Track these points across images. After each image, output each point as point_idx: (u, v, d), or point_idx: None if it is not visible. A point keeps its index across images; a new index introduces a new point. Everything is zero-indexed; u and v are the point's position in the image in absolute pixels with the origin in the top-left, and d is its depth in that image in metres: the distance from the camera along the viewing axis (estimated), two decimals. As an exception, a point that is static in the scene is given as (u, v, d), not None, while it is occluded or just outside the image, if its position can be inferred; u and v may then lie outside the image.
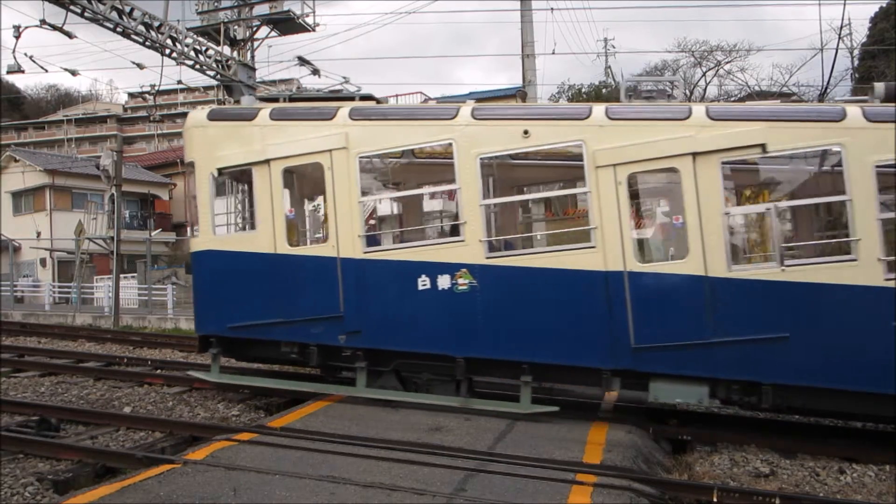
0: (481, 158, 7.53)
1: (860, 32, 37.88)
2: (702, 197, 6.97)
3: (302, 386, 8.47)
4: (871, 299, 6.54)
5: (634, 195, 7.78)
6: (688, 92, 34.45)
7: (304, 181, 9.02)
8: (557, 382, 8.43)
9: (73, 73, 17.83)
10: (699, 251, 6.92)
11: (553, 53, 79.36)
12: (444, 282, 7.48)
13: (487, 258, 7.41)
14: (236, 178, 9.02)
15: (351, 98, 8.48)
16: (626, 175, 7.18)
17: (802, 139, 7.00)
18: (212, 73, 18.42)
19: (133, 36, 15.77)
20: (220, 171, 8.26)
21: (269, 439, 6.17)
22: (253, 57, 20.13)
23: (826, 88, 24.69)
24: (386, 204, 10.80)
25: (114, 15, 15.01)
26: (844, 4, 20.48)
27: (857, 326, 6.61)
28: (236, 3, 19.71)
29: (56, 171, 34.42)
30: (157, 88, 24.86)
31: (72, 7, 14.18)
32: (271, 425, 6.74)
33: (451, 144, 7.63)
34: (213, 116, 8.45)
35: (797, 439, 7.56)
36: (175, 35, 16.94)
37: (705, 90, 34.56)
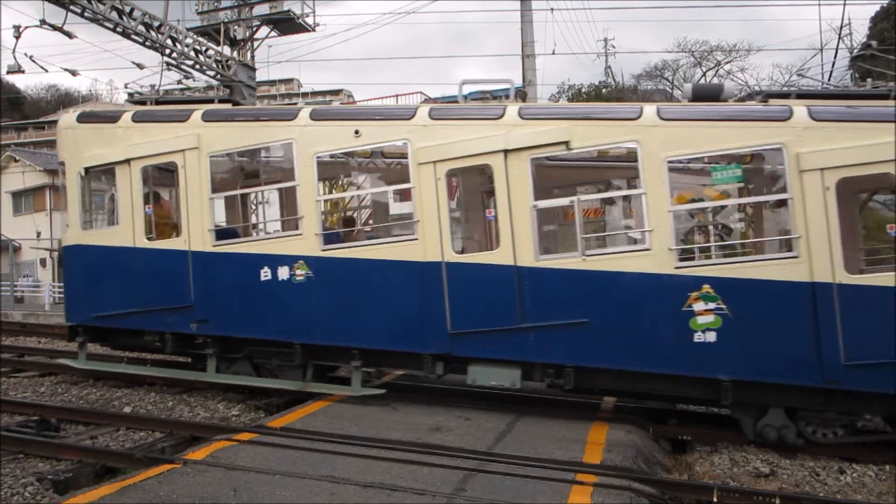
0: (318, 157, 7.98)
1: (860, 33, 37.92)
2: (512, 191, 7.34)
3: (161, 372, 9.19)
4: (664, 286, 6.96)
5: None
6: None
7: (163, 179, 9.52)
8: (387, 367, 9.05)
9: (73, 73, 17.82)
10: (509, 242, 7.32)
11: (553, 53, 79.31)
12: (283, 273, 7.99)
13: (323, 250, 7.86)
14: (102, 177, 9.55)
15: (211, 101, 9.13)
16: (444, 171, 7.59)
17: (604, 136, 7.48)
18: (212, 73, 18.42)
19: (133, 36, 15.77)
20: (87, 170, 8.84)
21: (269, 439, 6.17)
22: (253, 57, 20.14)
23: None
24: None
25: (114, 15, 15.01)
26: (844, 4, 20.49)
27: (652, 311, 7.02)
28: (236, 3, 19.71)
29: (56, 171, 34.39)
30: (156, 88, 24.89)
31: (72, 7, 14.18)
32: (271, 425, 6.74)
33: (291, 144, 8.12)
34: (81, 119, 9.09)
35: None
36: (175, 35, 16.94)
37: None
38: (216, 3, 19.66)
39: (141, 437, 6.95)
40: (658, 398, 8.12)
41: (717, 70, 33.68)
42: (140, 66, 17.38)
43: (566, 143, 7.28)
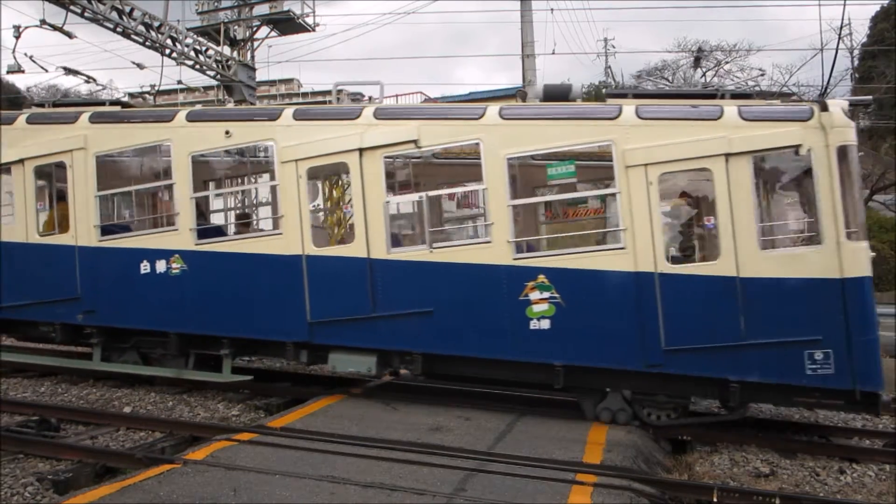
0: (192, 156, 8.53)
1: (860, 32, 37.92)
2: (367, 188, 7.82)
3: (54, 361, 9.81)
4: (502, 277, 7.37)
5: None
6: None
7: (55, 178, 9.94)
8: (256, 356, 9.71)
9: (73, 72, 17.80)
10: (363, 236, 7.79)
11: (553, 54, 79.35)
12: (161, 266, 8.54)
13: (196, 244, 8.41)
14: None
15: (102, 103, 9.67)
16: (305, 169, 8.06)
17: (450, 136, 7.90)
18: (212, 73, 18.41)
19: (133, 36, 15.76)
20: None
21: (269, 439, 6.17)
22: (253, 57, 20.14)
23: (826, 88, 24.77)
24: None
25: (114, 15, 15.00)
26: (844, 4, 20.48)
27: (492, 301, 7.41)
28: (236, 3, 19.70)
29: None
30: (157, 88, 24.87)
31: (72, 7, 14.17)
32: (271, 425, 6.74)
33: (169, 144, 8.63)
34: None
35: (797, 440, 7.57)
36: (175, 35, 16.94)
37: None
38: (216, 3, 19.66)
39: (141, 437, 6.94)
40: (503, 384, 8.46)
41: (717, 70, 33.64)
42: (140, 66, 17.38)
43: (415, 141, 7.74)
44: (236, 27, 19.79)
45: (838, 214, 6.76)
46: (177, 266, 8.46)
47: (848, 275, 6.76)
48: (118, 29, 15.37)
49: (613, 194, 7.34)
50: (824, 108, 6.88)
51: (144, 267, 8.59)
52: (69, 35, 15.22)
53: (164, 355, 8.89)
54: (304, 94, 74.95)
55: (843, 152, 6.82)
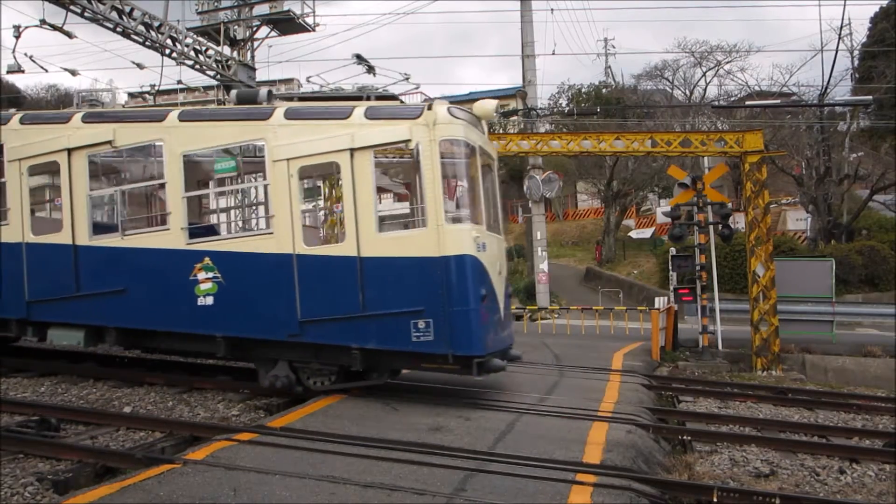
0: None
1: (860, 32, 37.91)
2: (74, 183, 8.95)
3: None
4: (177, 259, 8.42)
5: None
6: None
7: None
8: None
9: (73, 73, 17.84)
10: (70, 225, 8.97)
11: (553, 54, 79.39)
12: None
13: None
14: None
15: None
16: (25, 166, 9.33)
17: (138, 136, 9.03)
18: (212, 73, 18.41)
19: (133, 36, 15.76)
20: None
21: (269, 439, 6.17)
22: (253, 57, 20.13)
23: (826, 89, 24.79)
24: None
25: (114, 15, 15.00)
26: (844, 4, 20.45)
27: (170, 281, 8.45)
28: (236, 3, 19.70)
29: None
30: (157, 88, 24.85)
31: (72, 7, 14.17)
32: (271, 425, 6.74)
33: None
34: None
35: (797, 440, 7.58)
36: (175, 35, 16.93)
37: (705, 90, 34.55)
38: (216, 3, 19.66)
39: (141, 437, 6.94)
40: (190, 354, 9.67)
41: (717, 70, 33.64)
42: (140, 66, 17.38)
43: (110, 141, 8.89)
44: (236, 27, 19.79)
45: (439, 201, 7.62)
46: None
47: (446, 253, 7.55)
48: (118, 29, 15.36)
49: (265, 186, 8.54)
50: (430, 107, 7.83)
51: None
52: (69, 35, 15.22)
53: None
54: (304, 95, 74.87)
55: (445, 146, 7.77)
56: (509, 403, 8.08)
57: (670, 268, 16.49)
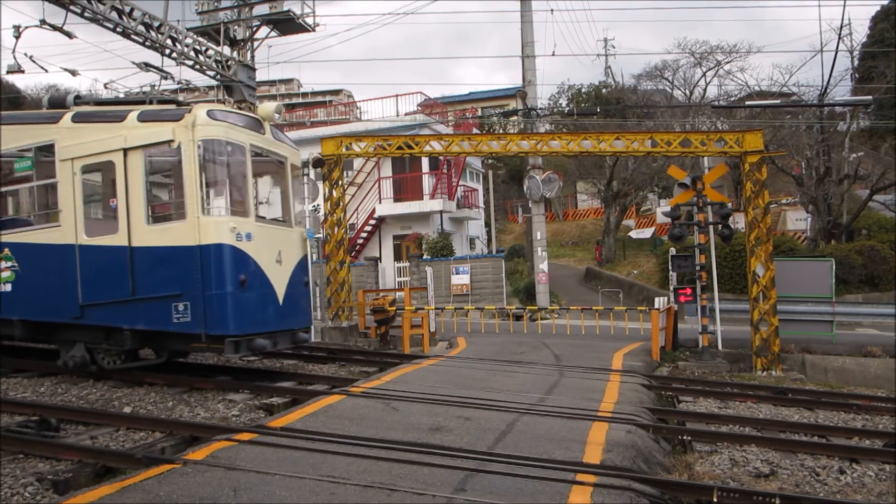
0: None
1: (860, 32, 37.91)
2: None
3: None
4: (72, 254, 9.09)
5: None
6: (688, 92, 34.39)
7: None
8: None
9: (73, 73, 17.72)
10: None
11: (553, 55, 79.43)
12: None
13: None
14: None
15: None
16: None
17: (27, 139, 9.64)
18: (212, 73, 18.41)
19: (133, 36, 15.75)
20: None
21: (269, 439, 6.17)
22: (253, 57, 20.12)
23: (826, 89, 24.79)
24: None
25: (114, 15, 14.99)
26: (844, 4, 20.46)
27: (66, 272, 9.07)
28: (236, 3, 19.69)
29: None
30: (156, 88, 24.79)
31: (72, 7, 14.16)
32: (271, 425, 6.74)
33: None
34: None
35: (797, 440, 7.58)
36: (175, 35, 16.93)
37: (705, 90, 34.55)
38: (216, 3, 19.65)
39: (141, 437, 6.94)
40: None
41: (717, 70, 33.62)
42: (144, 67, 17.35)
43: None
44: (236, 27, 19.78)
45: (197, 195, 8.48)
46: None
47: (203, 242, 8.43)
48: (118, 29, 15.36)
49: (55, 183, 9.29)
50: (191, 110, 8.72)
51: None
52: (69, 35, 15.20)
53: None
54: (304, 94, 74.88)
55: (204, 145, 8.61)
56: (509, 403, 8.08)
57: (670, 268, 16.49)
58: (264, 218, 9.78)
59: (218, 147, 8.76)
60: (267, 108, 9.72)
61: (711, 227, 15.47)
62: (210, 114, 8.74)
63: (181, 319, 8.45)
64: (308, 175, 16.37)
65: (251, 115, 9.56)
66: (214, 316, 8.38)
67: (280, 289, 9.35)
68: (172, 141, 8.60)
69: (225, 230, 8.55)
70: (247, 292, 8.68)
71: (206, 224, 8.50)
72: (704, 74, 34.19)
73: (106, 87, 13.12)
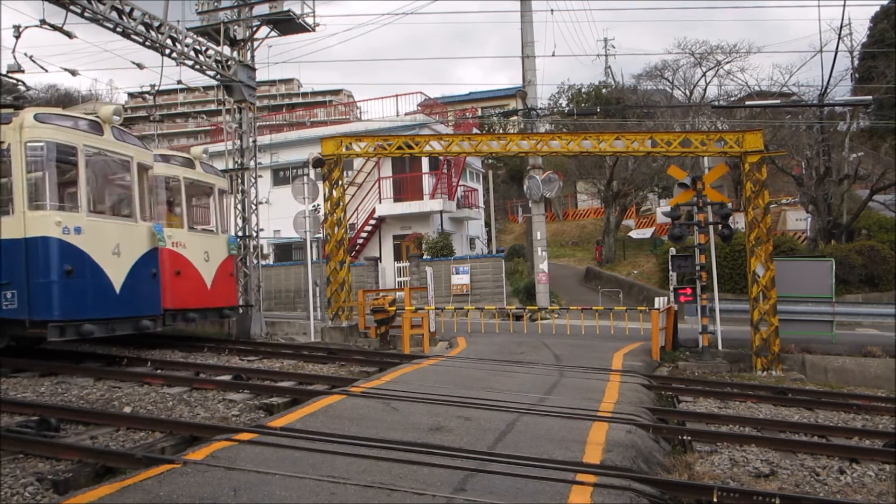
0: None
1: (860, 32, 37.89)
2: None
3: None
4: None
5: None
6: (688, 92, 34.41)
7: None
8: None
9: (73, 73, 17.74)
10: None
11: (553, 56, 79.41)
12: None
13: None
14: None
15: None
16: None
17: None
18: (212, 73, 18.40)
19: (133, 36, 15.73)
20: None
21: (269, 439, 6.17)
22: (253, 57, 20.10)
23: (826, 89, 24.79)
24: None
25: (114, 15, 14.97)
26: (844, 4, 20.46)
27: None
28: (236, 3, 19.67)
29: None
30: (156, 88, 24.82)
31: (72, 7, 14.14)
32: (271, 425, 6.74)
33: None
34: None
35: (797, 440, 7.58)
36: (175, 35, 16.91)
37: (705, 90, 34.56)
38: (216, 3, 19.62)
39: (141, 437, 6.94)
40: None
41: (717, 70, 33.62)
42: (140, 66, 17.35)
43: None
44: (236, 27, 19.76)
45: (22, 191, 9.37)
46: None
47: (30, 235, 9.32)
48: (118, 29, 15.33)
49: None
50: (18, 114, 9.62)
51: None
52: (69, 35, 15.18)
53: None
54: (304, 95, 74.87)
55: (32, 146, 9.51)
56: (509, 403, 8.08)
57: (670, 268, 16.49)
58: (103, 213, 10.66)
59: (44, 148, 9.59)
60: (105, 110, 10.65)
61: (711, 227, 15.47)
62: (38, 117, 9.65)
63: (9, 307, 9.31)
64: (308, 175, 16.40)
65: (87, 117, 10.41)
66: (39, 303, 9.31)
67: (118, 279, 10.23)
68: (2, 142, 9.53)
69: (50, 224, 9.38)
70: (74, 281, 9.49)
71: (32, 218, 9.38)
72: (704, 74, 34.24)
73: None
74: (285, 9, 19.59)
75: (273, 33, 20.49)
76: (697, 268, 15.02)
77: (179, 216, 11.71)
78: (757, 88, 30.05)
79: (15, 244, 9.34)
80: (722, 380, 12.60)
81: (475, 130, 35.97)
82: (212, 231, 12.79)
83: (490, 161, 39.52)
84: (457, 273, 24.61)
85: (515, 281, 26.17)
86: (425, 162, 28.47)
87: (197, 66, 17.68)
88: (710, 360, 14.35)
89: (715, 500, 5.39)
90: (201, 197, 13.23)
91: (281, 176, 31.13)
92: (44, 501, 5.21)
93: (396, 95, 31.01)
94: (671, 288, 16.51)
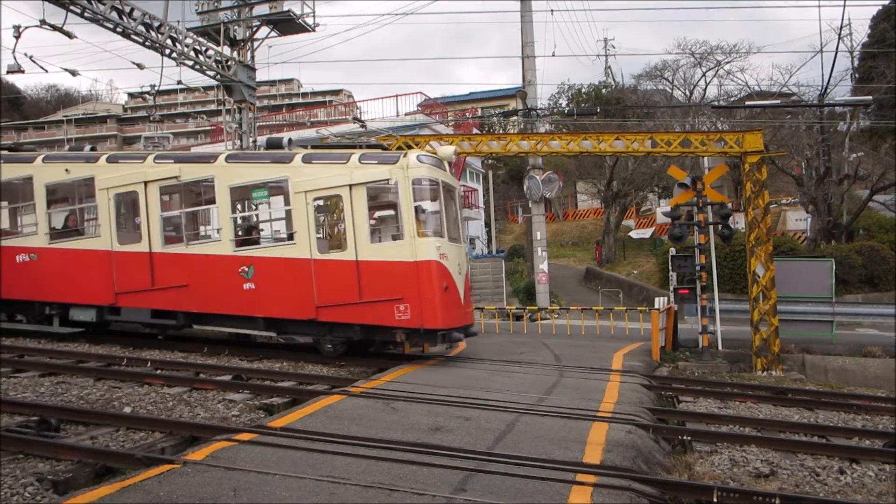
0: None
1: (860, 33, 37.89)
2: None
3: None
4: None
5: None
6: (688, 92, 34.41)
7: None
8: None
9: (73, 73, 17.77)
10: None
11: (553, 56, 79.42)
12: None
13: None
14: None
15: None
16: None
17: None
18: (212, 73, 18.40)
19: (133, 36, 15.74)
20: None
21: (269, 439, 6.17)
22: (253, 57, 20.11)
23: (826, 89, 24.78)
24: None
25: (114, 15, 14.98)
26: (844, 5, 20.47)
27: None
28: (236, 4, 19.67)
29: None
30: (156, 89, 24.81)
31: (72, 7, 14.15)
32: (271, 425, 6.74)
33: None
34: None
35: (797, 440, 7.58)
36: (175, 35, 16.92)
37: (705, 90, 34.55)
38: (216, 4, 19.62)
39: (141, 437, 6.94)
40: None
41: (717, 70, 33.62)
42: (140, 66, 17.36)
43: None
44: (236, 27, 19.77)
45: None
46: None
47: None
48: (118, 29, 15.34)
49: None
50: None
51: None
52: (69, 35, 15.19)
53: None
54: (304, 95, 74.83)
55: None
56: (509, 403, 8.08)
57: (670, 268, 16.49)
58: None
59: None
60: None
61: (711, 228, 15.47)
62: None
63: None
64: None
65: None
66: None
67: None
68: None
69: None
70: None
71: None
72: (704, 74, 34.23)
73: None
74: (285, 9, 19.60)
75: (273, 33, 20.50)
76: (697, 268, 15.02)
77: (442, 224, 11.02)
78: (757, 88, 30.04)
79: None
80: (722, 380, 12.61)
81: (475, 130, 35.96)
82: (454, 240, 11.62)
83: (490, 161, 39.52)
84: (457, 273, 24.58)
85: (515, 281, 26.17)
86: (425, 162, 28.43)
87: (197, 67, 17.69)
88: (710, 360, 14.35)
89: (715, 500, 5.39)
90: (448, 202, 12.03)
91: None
92: (44, 501, 5.21)
93: (396, 95, 31.08)
94: (671, 288, 16.52)
